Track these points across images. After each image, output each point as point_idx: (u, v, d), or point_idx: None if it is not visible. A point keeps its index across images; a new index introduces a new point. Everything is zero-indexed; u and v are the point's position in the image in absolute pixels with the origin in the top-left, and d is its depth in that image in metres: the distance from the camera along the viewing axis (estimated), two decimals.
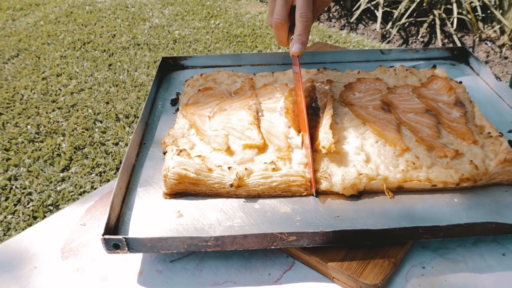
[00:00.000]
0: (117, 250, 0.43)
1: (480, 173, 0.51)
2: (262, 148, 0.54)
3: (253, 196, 0.51)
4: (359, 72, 0.72)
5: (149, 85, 2.33)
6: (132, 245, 0.44)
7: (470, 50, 2.85)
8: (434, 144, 0.54)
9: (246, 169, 0.49)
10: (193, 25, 3.06)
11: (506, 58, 2.85)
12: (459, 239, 0.49)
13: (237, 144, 0.54)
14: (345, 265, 0.44)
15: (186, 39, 2.86)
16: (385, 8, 3.17)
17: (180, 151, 0.51)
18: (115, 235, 0.47)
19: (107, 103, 2.17)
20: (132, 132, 1.75)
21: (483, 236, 0.48)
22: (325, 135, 0.53)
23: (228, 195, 0.51)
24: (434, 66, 0.75)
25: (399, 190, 0.51)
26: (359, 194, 0.51)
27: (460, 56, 0.83)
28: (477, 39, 2.99)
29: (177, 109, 0.68)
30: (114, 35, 2.90)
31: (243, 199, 0.50)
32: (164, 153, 0.57)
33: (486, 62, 2.82)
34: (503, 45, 2.88)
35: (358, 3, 3.23)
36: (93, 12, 3.25)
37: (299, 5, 0.63)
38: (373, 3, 3.20)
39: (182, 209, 0.50)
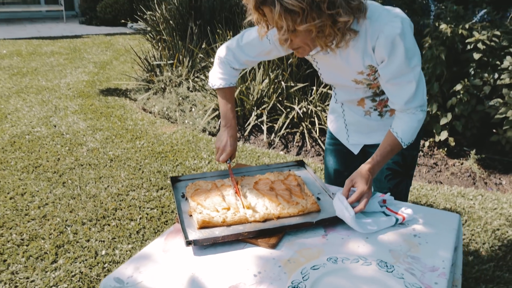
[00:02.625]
0: (189, 245, 1.24)
1: (305, 208, 1.42)
2: (227, 208, 1.40)
3: (231, 224, 1.35)
4: (259, 175, 1.64)
5: (101, 196, 3.03)
6: (195, 242, 1.25)
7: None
8: (289, 201, 1.46)
9: (225, 216, 1.35)
10: (123, 146, 3.87)
11: None
12: (304, 231, 1.38)
13: (219, 208, 1.40)
14: (265, 239, 1.30)
15: (120, 158, 3.65)
16: (269, 124, 4.30)
17: (199, 213, 1.35)
18: (186, 239, 1.28)
19: (71, 212, 2.83)
20: (98, 231, 2.49)
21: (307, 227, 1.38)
22: (246, 200, 1.42)
23: (221, 225, 1.34)
24: (290, 170, 1.71)
25: (278, 217, 1.40)
26: (264, 220, 1.38)
27: (301, 163, 1.80)
28: None
29: (185, 198, 1.52)
30: (59, 158, 3.58)
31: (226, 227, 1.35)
32: (190, 215, 1.40)
33: None
34: None
35: (248, 121, 4.34)
36: (34, 140, 3.91)
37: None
38: (259, 120, 4.33)
39: (204, 232, 1.33)
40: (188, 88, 4.94)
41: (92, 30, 10.09)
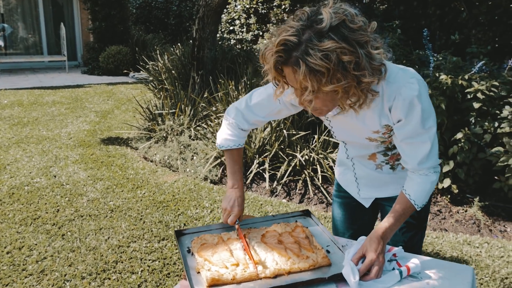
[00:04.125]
0: None
1: (316, 263, 1.38)
2: (236, 264, 1.36)
3: (241, 281, 1.30)
4: (265, 227, 1.61)
5: (101, 248, 2.97)
6: None
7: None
8: (299, 255, 1.42)
9: (236, 273, 1.31)
10: (124, 196, 3.83)
11: None
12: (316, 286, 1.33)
13: (228, 265, 1.36)
14: None
15: (121, 208, 3.60)
16: (271, 172, 4.29)
17: (207, 270, 1.31)
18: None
19: (70, 265, 2.76)
20: (98, 286, 2.42)
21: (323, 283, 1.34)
22: (257, 256, 1.38)
23: (231, 283, 1.30)
24: (296, 221, 1.68)
25: (289, 273, 1.35)
26: (275, 276, 1.34)
27: (307, 213, 1.77)
28: None
29: (191, 253, 1.47)
30: (58, 209, 3.53)
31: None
32: (198, 272, 1.35)
33: None
34: None
35: (250, 169, 4.32)
36: (33, 191, 3.87)
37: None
38: (261, 168, 4.32)
39: None
40: (190, 136, 4.97)
41: (94, 80, 10.27)
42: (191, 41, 6.42)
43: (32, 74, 10.96)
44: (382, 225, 1.43)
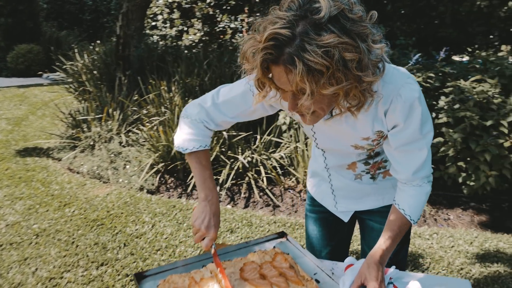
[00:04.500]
0: None
1: None
2: None
3: None
4: (241, 258, 1.37)
5: (28, 283, 2.54)
6: None
7: (279, 198, 3.88)
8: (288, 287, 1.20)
9: None
10: (50, 217, 3.37)
11: (304, 200, 3.91)
12: None
13: None
14: None
15: (48, 231, 3.15)
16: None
17: None
18: None
19: None
20: None
21: None
22: None
23: None
24: (274, 247, 1.46)
25: None
26: None
27: (282, 234, 1.55)
28: (283, 189, 4.03)
29: None
30: None
31: None
32: None
33: (292, 206, 3.83)
34: (301, 190, 3.96)
35: (190, 175, 4.03)
36: None
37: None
38: None
39: None
40: (121, 143, 4.55)
41: (2, 82, 9.28)
42: (114, 38, 5.93)
43: None
44: (379, 248, 1.25)
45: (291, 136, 4.25)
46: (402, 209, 1.25)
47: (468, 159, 3.62)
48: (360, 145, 1.29)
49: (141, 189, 3.99)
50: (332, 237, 1.63)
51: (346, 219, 1.57)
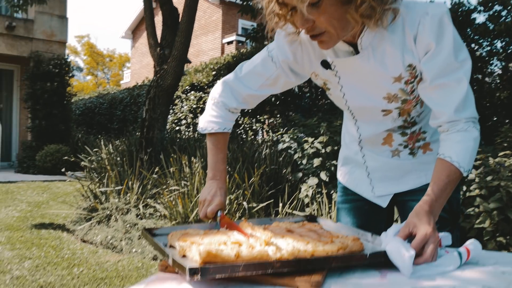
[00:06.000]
0: (194, 277, 0.77)
1: (346, 246, 1.01)
2: (239, 243, 0.95)
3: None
4: (263, 226, 1.22)
5: None
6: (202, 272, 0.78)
7: None
8: (319, 240, 1.04)
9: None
10: (56, 273, 3.17)
11: None
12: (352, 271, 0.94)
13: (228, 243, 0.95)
14: (304, 277, 0.85)
15: (53, 284, 2.93)
16: None
17: (198, 245, 0.90)
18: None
19: None
20: None
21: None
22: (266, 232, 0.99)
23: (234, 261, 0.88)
24: (303, 221, 1.31)
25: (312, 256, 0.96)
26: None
27: (313, 219, 1.39)
28: None
29: (168, 246, 1.05)
30: None
31: None
32: (183, 256, 0.93)
33: None
34: None
35: None
36: None
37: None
38: None
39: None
40: (137, 215, 4.44)
41: (29, 178, 9.49)
42: (139, 120, 6.16)
43: None
44: (426, 198, 1.10)
45: (314, 210, 4.09)
46: (448, 157, 1.11)
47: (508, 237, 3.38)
48: (392, 93, 1.21)
49: (155, 258, 3.78)
50: (369, 228, 1.46)
51: (384, 204, 1.42)
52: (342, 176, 1.53)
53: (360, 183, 1.46)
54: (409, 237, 1.05)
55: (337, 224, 1.28)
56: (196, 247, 0.91)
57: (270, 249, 0.94)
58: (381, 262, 0.99)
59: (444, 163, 1.12)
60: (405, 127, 1.32)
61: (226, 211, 3.88)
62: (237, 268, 0.82)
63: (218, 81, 1.40)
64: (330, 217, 3.79)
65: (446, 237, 1.13)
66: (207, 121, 1.36)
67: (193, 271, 0.78)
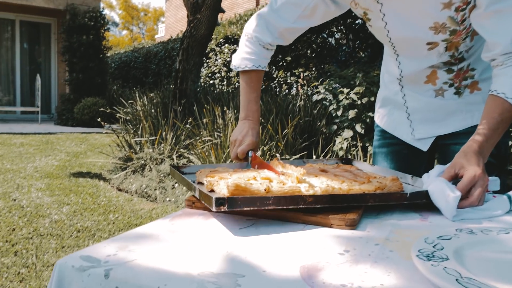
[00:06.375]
0: (220, 207, 0.72)
1: (384, 186, 0.94)
2: (269, 179, 0.90)
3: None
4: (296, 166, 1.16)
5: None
6: (230, 203, 0.74)
7: None
8: (355, 179, 0.97)
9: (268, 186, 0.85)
10: (93, 219, 3.26)
11: None
12: (391, 212, 0.88)
13: (258, 178, 0.91)
14: (338, 215, 0.79)
15: (89, 229, 3.03)
16: None
17: (226, 180, 0.85)
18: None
19: (21, 281, 2.16)
20: None
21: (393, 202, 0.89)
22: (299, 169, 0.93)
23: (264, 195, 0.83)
24: (337, 163, 1.24)
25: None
26: None
27: (348, 161, 1.32)
28: None
29: (196, 183, 1.01)
30: (14, 229, 2.93)
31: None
32: (211, 190, 0.89)
33: None
34: None
35: None
36: None
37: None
38: None
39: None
40: (171, 165, 4.48)
41: (67, 130, 9.78)
42: (173, 73, 6.13)
43: (2, 124, 10.39)
44: (476, 138, 1.00)
45: None
46: (502, 93, 0.99)
47: None
48: (440, 22, 1.09)
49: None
50: (408, 173, 1.38)
51: (425, 147, 1.32)
52: (379, 118, 1.43)
53: (399, 125, 1.36)
54: (454, 179, 0.97)
55: (375, 167, 1.20)
56: (224, 181, 0.86)
57: (303, 186, 0.88)
58: (422, 204, 0.91)
59: (497, 100, 1.00)
60: (451, 63, 1.20)
61: None
62: (266, 201, 0.76)
63: (251, 17, 1.31)
64: None
65: (494, 181, 1.04)
66: (240, 58, 1.28)
67: (220, 202, 0.73)
